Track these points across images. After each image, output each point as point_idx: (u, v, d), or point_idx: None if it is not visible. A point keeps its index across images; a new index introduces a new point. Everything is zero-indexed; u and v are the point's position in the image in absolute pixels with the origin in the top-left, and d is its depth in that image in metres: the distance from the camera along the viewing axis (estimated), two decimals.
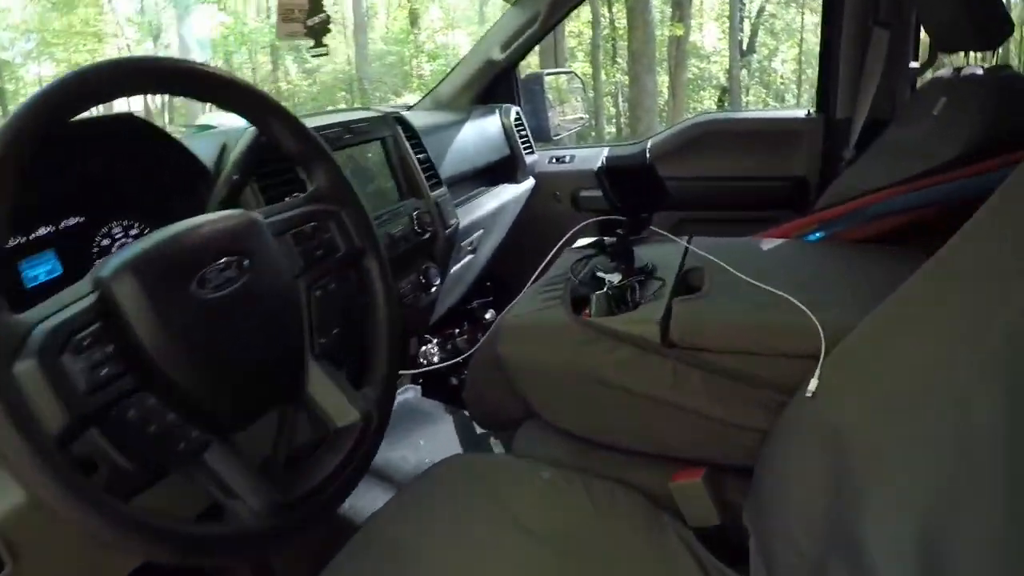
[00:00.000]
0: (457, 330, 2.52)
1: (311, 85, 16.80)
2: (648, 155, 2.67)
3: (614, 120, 14.27)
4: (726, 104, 14.44)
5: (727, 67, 14.72)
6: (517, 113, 2.63)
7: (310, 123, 1.12)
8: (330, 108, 2.09)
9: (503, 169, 2.60)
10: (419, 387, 2.32)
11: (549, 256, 1.65)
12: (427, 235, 1.80)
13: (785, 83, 16.07)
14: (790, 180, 2.52)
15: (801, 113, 2.54)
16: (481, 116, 2.48)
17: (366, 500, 1.52)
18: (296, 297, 0.97)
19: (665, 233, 1.64)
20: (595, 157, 2.77)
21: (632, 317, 1.31)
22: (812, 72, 14.52)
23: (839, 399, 0.95)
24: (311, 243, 1.02)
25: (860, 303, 1.02)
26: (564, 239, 1.71)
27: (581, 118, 3.32)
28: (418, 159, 1.86)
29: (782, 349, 1.18)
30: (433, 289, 1.88)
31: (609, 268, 1.45)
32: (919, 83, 2.35)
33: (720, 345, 1.23)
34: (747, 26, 15.61)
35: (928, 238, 1.57)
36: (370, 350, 1.10)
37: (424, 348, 2.41)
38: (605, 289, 1.36)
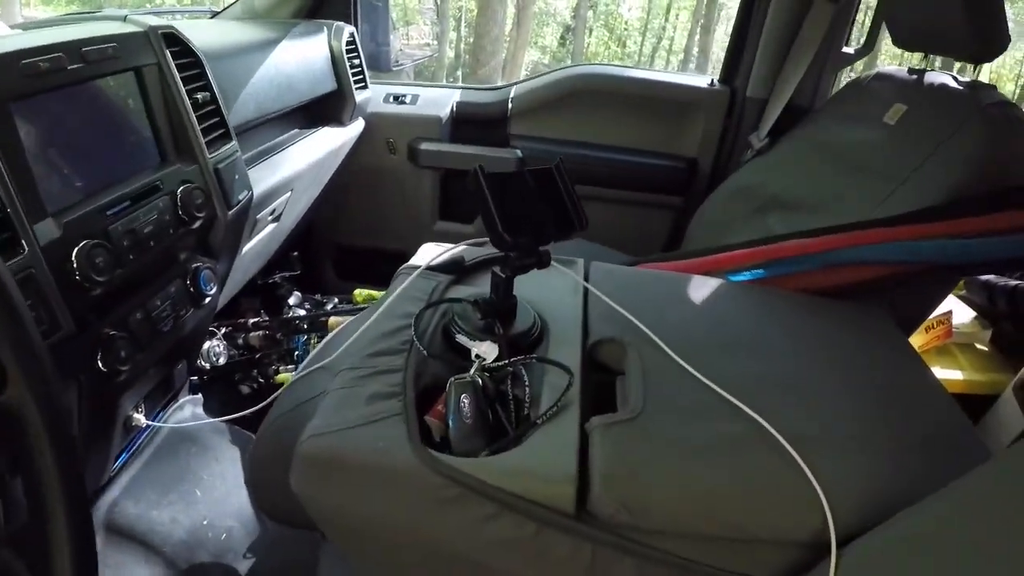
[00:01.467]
0: (251, 319, 1.92)
1: None
2: (510, 105, 2.16)
3: (452, 45, 13.32)
4: (568, 44, 13.93)
5: (573, 4, 14.14)
6: (351, 35, 2.02)
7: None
8: (61, 15, 1.30)
9: (326, 107, 1.99)
10: (199, 398, 1.72)
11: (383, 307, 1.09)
12: (197, 223, 1.20)
13: (628, 30, 15.70)
14: (679, 160, 2.11)
15: (703, 82, 2.11)
16: (303, 36, 1.85)
17: None
18: None
19: (561, 268, 1.17)
20: (442, 100, 2.24)
21: (524, 463, 0.75)
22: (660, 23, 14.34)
23: None
24: None
25: (861, 431, 0.85)
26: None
27: (427, 45, 2.74)
28: (196, 100, 1.23)
29: (764, 531, 0.73)
30: (207, 300, 1.29)
31: (473, 327, 0.94)
32: (846, 73, 1.99)
33: (668, 522, 0.74)
34: None
35: (892, 293, 1.21)
36: None
37: (208, 344, 1.80)
38: (471, 375, 0.85)
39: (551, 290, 1.05)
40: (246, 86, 1.51)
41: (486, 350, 0.87)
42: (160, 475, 1.48)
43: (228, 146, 1.31)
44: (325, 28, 1.94)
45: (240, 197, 1.32)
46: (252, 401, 1.19)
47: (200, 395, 1.73)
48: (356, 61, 2.03)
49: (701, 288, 1.13)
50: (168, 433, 1.58)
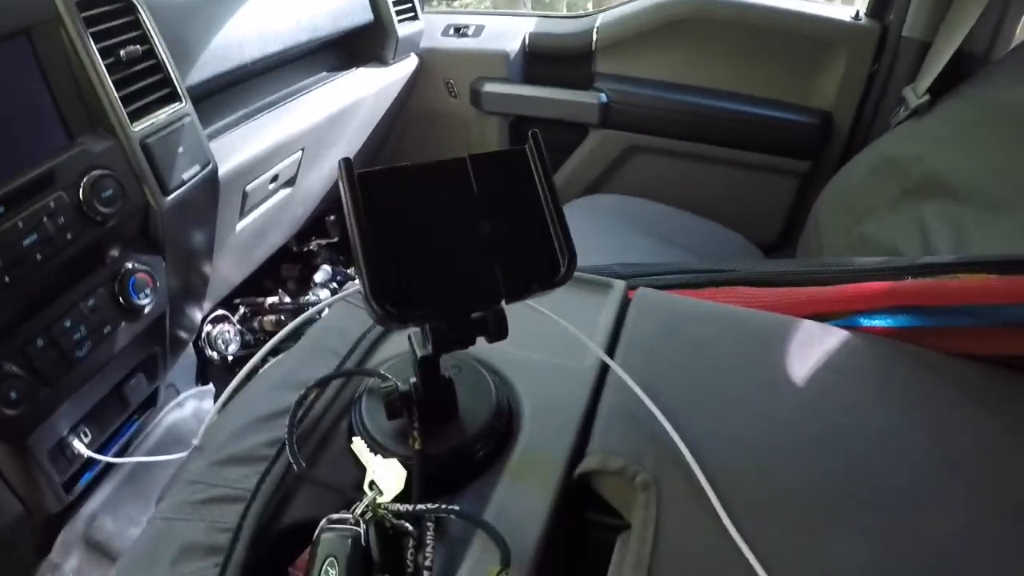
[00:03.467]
0: (269, 300, 1.65)
1: None
2: (595, 36, 1.75)
3: None
4: None
5: None
6: None
7: None
8: None
9: (364, 43, 1.66)
10: (210, 390, 1.48)
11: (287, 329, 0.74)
12: (112, 220, 0.91)
13: None
14: (809, 114, 1.64)
15: (845, 13, 1.62)
16: None
17: None
18: None
19: (592, 276, 0.79)
20: (512, 31, 1.86)
21: None
22: None
23: None
24: None
25: None
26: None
27: None
28: (119, 57, 0.93)
29: None
30: (145, 310, 1.00)
31: (379, 428, 0.57)
32: None
33: None
34: None
35: None
36: None
37: (216, 330, 1.54)
38: (354, 518, 0.49)
39: (556, 340, 0.69)
40: (227, 26, 1.19)
41: (386, 476, 0.53)
42: (144, 487, 1.29)
43: (169, 111, 1.00)
44: None
45: (186, 176, 1.02)
46: None
47: (211, 386, 1.50)
48: None
49: (812, 348, 0.72)
50: (162, 435, 1.36)
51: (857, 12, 1.61)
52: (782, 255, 1.81)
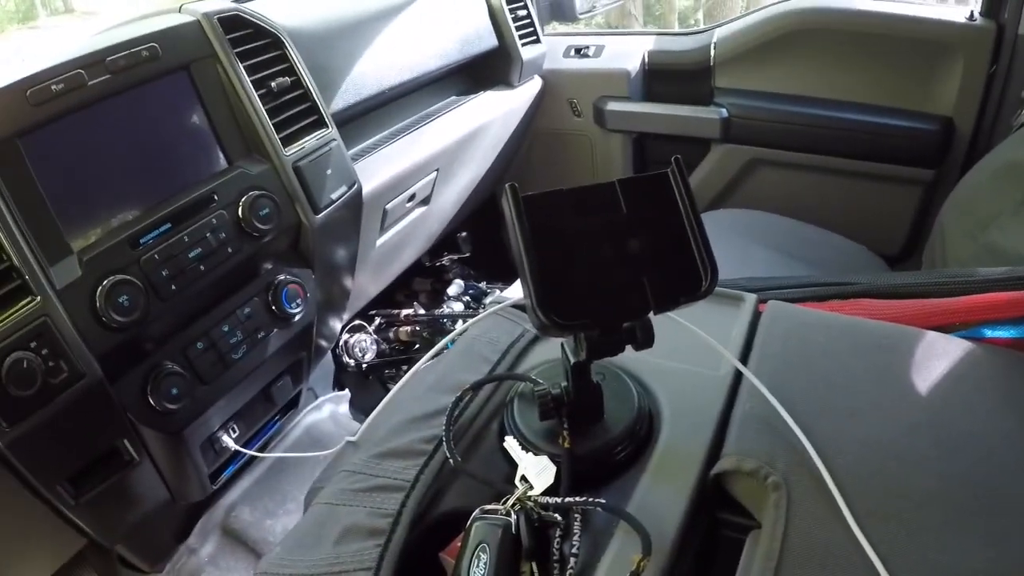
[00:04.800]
0: (404, 311, 1.74)
1: None
2: (713, 52, 1.76)
3: None
4: None
5: None
6: None
7: None
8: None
9: (490, 68, 1.73)
10: (345, 395, 1.59)
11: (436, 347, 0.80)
12: (268, 236, 1.01)
13: None
14: (930, 121, 1.58)
15: (960, 15, 1.55)
16: None
17: None
18: None
19: (725, 290, 0.81)
20: (631, 50, 1.89)
21: None
22: None
23: None
24: None
25: None
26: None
27: None
28: (270, 88, 1.04)
29: None
30: (295, 318, 1.10)
31: (530, 428, 0.62)
32: None
33: None
34: None
35: None
36: None
37: (354, 339, 1.65)
38: (505, 509, 0.53)
39: (692, 350, 0.72)
40: (364, 58, 1.29)
41: (537, 472, 0.58)
42: (281, 482, 1.40)
43: (317, 136, 1.10)
44: None
45: (335, 196, 1.11)
46: None
47: (347, 391, 1.60)
48: (522, 12, 1.74)
49: (935, 358, 0.71)
50: (300, 435, 1.47)
51: (971, 12, 1.54)
52: (907, 266, 1.74)
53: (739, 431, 0.61)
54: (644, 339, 0.54)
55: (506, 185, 0.52)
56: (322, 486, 0.67)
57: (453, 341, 0.80)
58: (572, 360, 0.58)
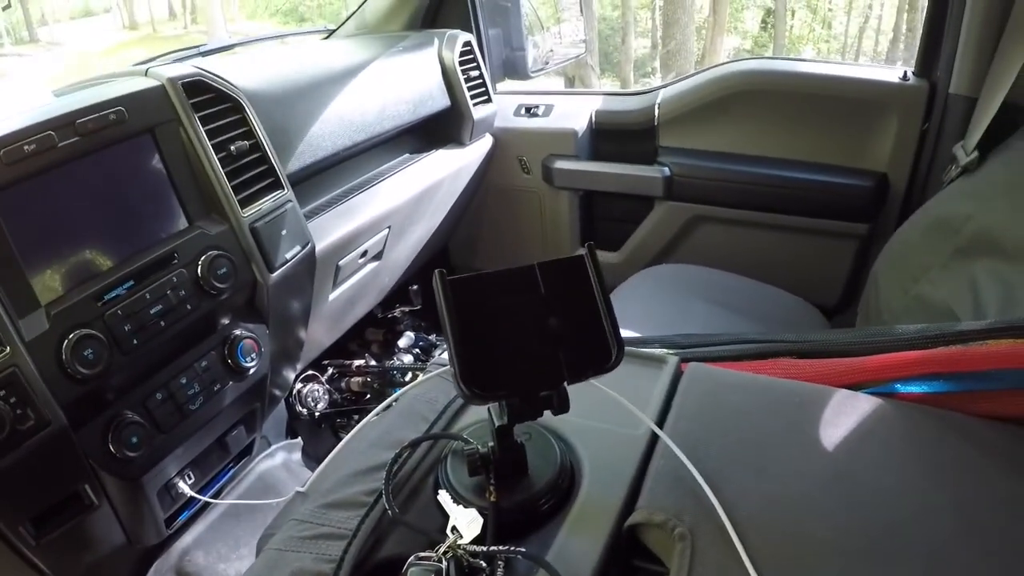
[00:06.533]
0: (356, 362, 1.78)
1: None
2: (657, 112, 1.85)
3: (649, 35, 12.32)
4: (770, 28, 12.57)
5: None
6: (467, 44, 1.81)
7: None
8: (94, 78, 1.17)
9: (443, 127, 1.81)
10: (298, 443, 1.61)
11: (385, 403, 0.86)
12: (225, 294, 1.05)
13: (833, 10, 13.84)
14: (865, 177, 1.67)
15: (894, 75, 1.65)
16: (409, 50, 1.67)
17: None
18: None
19: (649, 352, 0.87)
20: (579, 110, 1.97)
21: None
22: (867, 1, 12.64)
23: None
24: None
25: None
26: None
27: (583, 42, 2.45)
28: (230, 152, 1.09)
29: None
30: (249, 371, 1.14)
31: (461, 483, 0.68)
32: None
33: None
34: None
35: None
36: None
37: (307, 388, 1.68)
38: (437, 556, 0.58)
39: (615, 410, 0.77)
40: (321, 120, 1.35)
41: (467, 523, 0.63)
42: (235, 527, 1.41)
43: (273, 198, 1.15)
44: (436, 39, 1.75)
45: (289, 255, 1.16)
46: None
47: (300, 439, 1.63)
48: (474, 72, 1.82)
49: (844, 415, 0.77)
50: (254, 481, 1.49)
51: (905, 72, 1.63)
52: (844, 317, 1.81)
53: (652, 486, 0.67)
54: (560, 406, 0.61)
55: (435, 271, 0.58)
56: (273, 533, 0.72)
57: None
58: (496, 423, 0.64)
